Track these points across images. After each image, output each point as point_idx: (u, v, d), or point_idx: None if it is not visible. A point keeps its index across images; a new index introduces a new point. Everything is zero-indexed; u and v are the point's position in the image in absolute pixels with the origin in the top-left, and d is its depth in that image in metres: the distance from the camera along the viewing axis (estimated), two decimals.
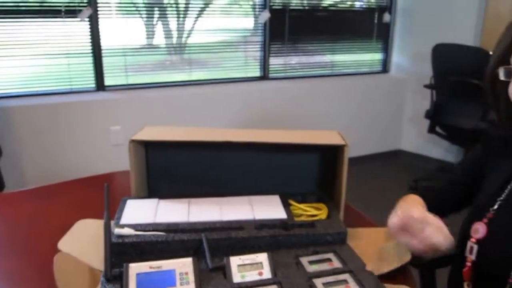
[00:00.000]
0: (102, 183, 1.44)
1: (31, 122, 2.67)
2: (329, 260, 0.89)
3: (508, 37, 0.82)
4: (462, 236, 0.94)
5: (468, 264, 0.89)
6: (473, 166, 1.02)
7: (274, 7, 3.44)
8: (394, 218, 0.87)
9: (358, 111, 3.77)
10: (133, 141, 1.05)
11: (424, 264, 0.99)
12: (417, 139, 3.89)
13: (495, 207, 0.89)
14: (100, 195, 1.32)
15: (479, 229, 0.89)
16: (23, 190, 1.41)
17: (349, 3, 3.85)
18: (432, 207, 1.02)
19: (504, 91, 0.86)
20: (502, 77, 0.82)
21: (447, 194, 1.06)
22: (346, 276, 0.83)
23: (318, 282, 0.81)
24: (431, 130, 3.36)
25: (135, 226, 0.91)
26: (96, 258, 0.89)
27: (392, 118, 3.97)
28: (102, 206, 1.09)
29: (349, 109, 3.72)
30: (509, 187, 0.89)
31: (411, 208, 0.87)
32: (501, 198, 0.89)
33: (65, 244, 0.94)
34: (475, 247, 0.88)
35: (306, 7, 3.66)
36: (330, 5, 3.76)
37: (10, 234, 1.09)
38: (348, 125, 3.69)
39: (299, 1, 3.60)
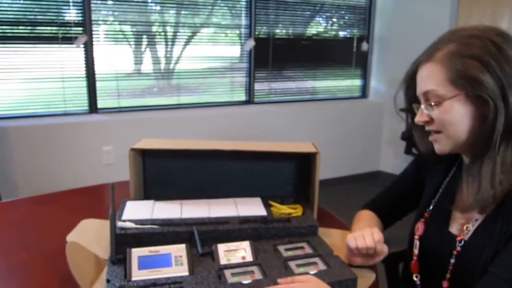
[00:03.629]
0: (97, 192, 1.59)
1: (27, 142, 2.79)
2: (302, 247, 1.04)
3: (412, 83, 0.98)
4: (410, 235, 1.10)
5: (414, 258, 1.05)
6: (410, 177, 1.18)
7: (259, 36, 3.66)
8: (352, 243, 0.98)
9: (339, 134, 3.96)
10: (132, 149, 1.20)
11: (388, 259, 1.13)
12: (395, 160, 4.09)
13: (431, 207, 1.05)
14: (96, 202, 1.46)
15: (419, 228, 1.05)
16: (20, 198, 1.53)
17: (332, 33, 4.09)
18: (384, 217, 1.20)
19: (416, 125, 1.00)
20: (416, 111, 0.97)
21: (394, 204, 1.22)
22: (316, 259, 0.98)
23: (292, 263, 0.96)
24: (408, 151, 3.55)
25: (135, 221, 1.06)
26: (100, 248, 1.03)
27: (371, 140, 4.18)
28: (100, 210, 1.23)
29: (330, 132, 3.91)
30: (440, 190, 1.06)
31: (365, 237, 0.98)
32: (435, 200, 1.06)
33: (73, 237, 1.08)
34: (417, 243, 1.04)
35: (289, 36, 3.88)
36: (312, 35, 3.99)
37: (18, 234, 1.21)
38: (329, 148, 3.87)
39: (283, 30, 3.83)
